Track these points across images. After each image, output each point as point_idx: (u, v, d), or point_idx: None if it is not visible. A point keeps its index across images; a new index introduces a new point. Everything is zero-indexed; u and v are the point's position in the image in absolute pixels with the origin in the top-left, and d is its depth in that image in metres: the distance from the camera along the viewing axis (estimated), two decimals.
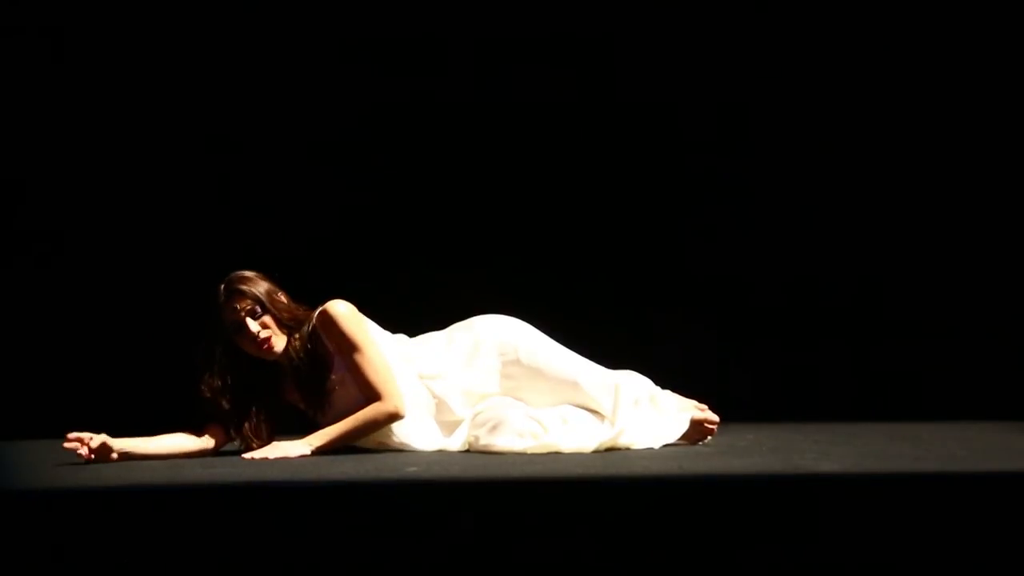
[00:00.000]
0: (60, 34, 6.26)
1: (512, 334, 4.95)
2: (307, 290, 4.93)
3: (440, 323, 5.04)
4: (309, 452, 4.70)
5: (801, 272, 6.52)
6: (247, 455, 4.70)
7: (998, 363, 6.37)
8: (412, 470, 4.23)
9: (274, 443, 4.76)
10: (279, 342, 4.79)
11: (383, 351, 4.85)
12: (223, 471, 4.30)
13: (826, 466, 4.14)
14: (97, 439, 4.60)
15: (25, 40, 6.24)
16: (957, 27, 6.45)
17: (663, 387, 5.00)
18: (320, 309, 4.84)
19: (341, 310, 4.82)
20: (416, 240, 6.48)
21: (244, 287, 4.78)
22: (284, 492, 3.89)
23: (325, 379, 4.82)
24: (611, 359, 5.01)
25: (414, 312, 5.22)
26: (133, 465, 4.56)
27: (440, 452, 4.79)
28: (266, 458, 4.64)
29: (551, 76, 6.47)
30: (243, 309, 4.75)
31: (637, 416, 4.82)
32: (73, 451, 4.57)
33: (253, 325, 4.75)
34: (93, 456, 4.58)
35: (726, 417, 5.19)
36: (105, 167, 6.34)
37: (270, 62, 6.40)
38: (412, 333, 5.03)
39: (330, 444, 4.75)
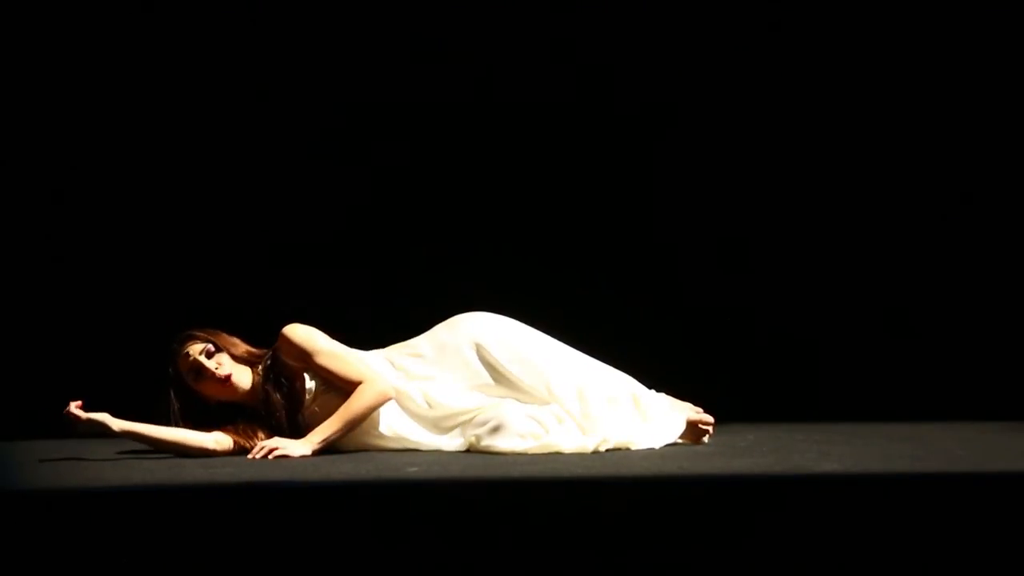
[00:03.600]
0: (56, 31, 6.24)
1: (487, 329, 4.94)
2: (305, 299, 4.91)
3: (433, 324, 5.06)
4: (310, 452, 4.71)
5: (802, 270, 6.51)
6: (249, 456, 4.71)
7: (998, 363, 6.36)
8: (412, 470, 4.23)
9: (276, 439, 4.76)
10: (242, 377, 4.82)
11: (350, 349, 4.87)
12: (223, 471, 4.30)
13: (827, 466, 4.15)
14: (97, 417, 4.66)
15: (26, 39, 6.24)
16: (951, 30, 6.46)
17: (658, 389, 5.01)
18: (279, 337, 4.86)
19: (298, 330, 4.85)
20: (409, 243, 6.45)
21: (195, 332, 4.84)
22: (284, 492, 3.89)
23: (300, 401, 4.83)
24: (607, 361, 5.02)
25: (414, 315, 5.21)
26: (134, 464, 4.56)
27: (440, 452, 4.79)
28: (267, 457, 4.65)
29: (547, 75, 6.45)
30: (197, 351, 4.79)
31: (615, 415, 4.81)
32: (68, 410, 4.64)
33: (210, 363, 4.78)
34: (80, 418, 4.64)
35: (726, 418, 5.20)
36: (115, 170, 6.32)
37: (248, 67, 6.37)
38: (410, 333, 5.04)
39: (330, 438, 4.75)
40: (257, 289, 6.25)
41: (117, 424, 4.70)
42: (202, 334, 4.83)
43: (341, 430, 4.77)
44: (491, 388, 4.88)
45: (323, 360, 4.83)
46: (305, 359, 4.83)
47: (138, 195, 6.34)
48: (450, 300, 5.16)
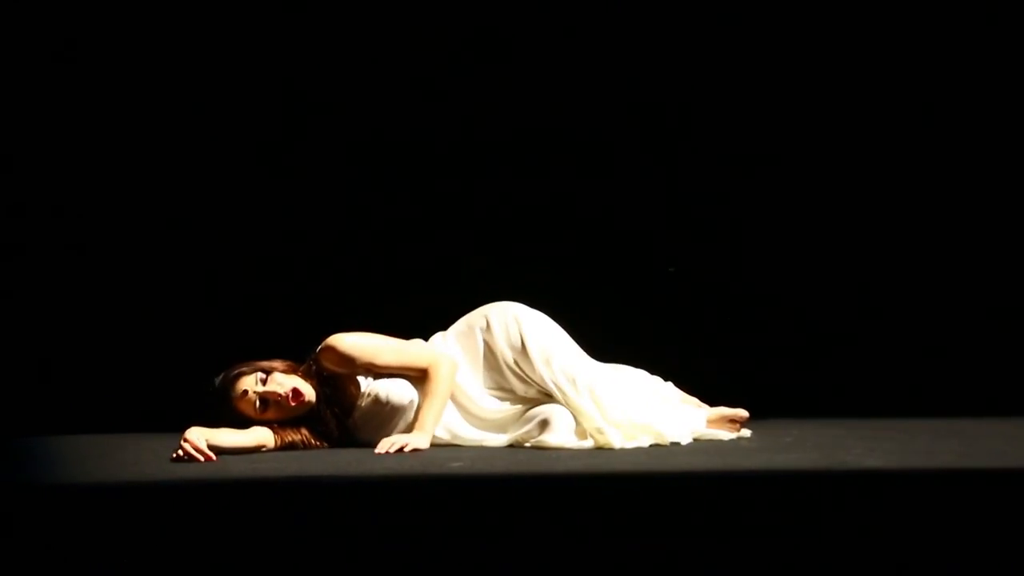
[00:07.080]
0: (70, 36, 6.24)
1: (497, 319, 4.95)
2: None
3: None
4: (429, 443, 4.72)
5: (848, 267, 6.48)
6: (379, 449, 4.64)
7: None
8: (456, 465, 4.24)
9: (399, 436, 4.71)
10: (305, 388, 4.73)
11: (393, 340, 4.88)
12: (266, 466, 4.30)
13: (871, 462, 4.13)
14: (200, 440, 4.47)
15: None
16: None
17: (699, 385, 5.02)
18: (322, 348, 4.80)
19: (347, 339, 4.80)
20: (408, 242, 6.43)
21: (239, 368, 4.71)
22: (328, 487, 3.91)
23: (353, 405, 4.83)
24: (642, 358, 5.03)
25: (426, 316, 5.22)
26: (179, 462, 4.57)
27: (483, 448, 4.79)
28: (401, 450, 4.60)
29: (547, 74, 6.42)
30: (252, 384, 4.68)
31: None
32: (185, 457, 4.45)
33: (273, 386, 4.68)
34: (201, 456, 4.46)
35: (769, 414, 5.19)
36: (136, 164, 6.32)
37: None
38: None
39: (438, 422, 4.79)
40: (261, 292, 6.24)
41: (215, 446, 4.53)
42: (246, 367, 4.71)
43: (441, 411, 4.79)
44: (497, 376, 4.89)
45: (386, 359, 4.83)
46: (367, 366, 4.81)
47: (141, 199, 6.30)
48: (459, 299, 5.16)
